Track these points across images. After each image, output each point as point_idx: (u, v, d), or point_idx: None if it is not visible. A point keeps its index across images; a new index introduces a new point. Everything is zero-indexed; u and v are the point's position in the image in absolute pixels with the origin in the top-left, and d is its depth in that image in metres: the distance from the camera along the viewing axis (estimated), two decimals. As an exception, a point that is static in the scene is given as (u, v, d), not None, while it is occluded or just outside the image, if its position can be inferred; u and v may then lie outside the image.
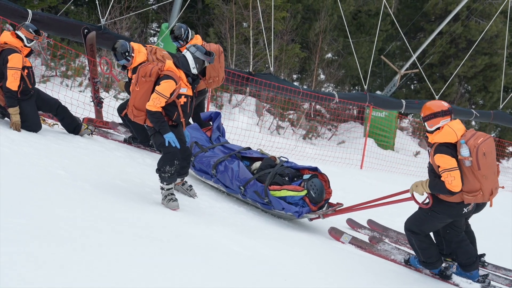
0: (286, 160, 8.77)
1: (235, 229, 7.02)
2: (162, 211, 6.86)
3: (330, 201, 8.46)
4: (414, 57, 21.22)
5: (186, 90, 7.16)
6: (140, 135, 9.84)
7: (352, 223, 9.13)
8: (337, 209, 8.21)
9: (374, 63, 22.48)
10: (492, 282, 7.07)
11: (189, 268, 5.07)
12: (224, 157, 8.76)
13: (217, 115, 9.81)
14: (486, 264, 8.01)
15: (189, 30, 10.22)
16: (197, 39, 10.20)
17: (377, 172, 15.88)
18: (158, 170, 7.09)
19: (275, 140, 15.00)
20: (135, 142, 10.10)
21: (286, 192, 8.05)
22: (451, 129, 6.42)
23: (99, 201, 6.41)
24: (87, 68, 13.21)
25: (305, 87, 20.13)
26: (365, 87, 18.46)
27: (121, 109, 9.70)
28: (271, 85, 15.21)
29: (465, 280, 6.94)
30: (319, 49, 20.31)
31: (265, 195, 8.09)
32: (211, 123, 9.87)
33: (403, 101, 19.38)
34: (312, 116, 19.82)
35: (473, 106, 25.50)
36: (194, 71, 7.16)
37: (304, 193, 8.03)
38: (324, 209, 8.22)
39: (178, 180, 7.83)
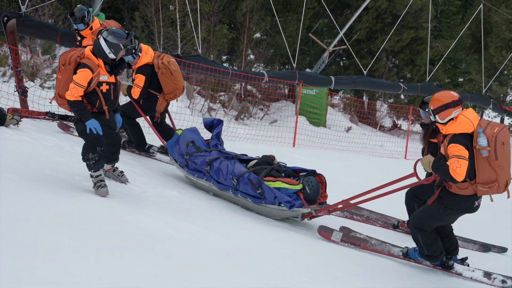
0: (284, 164, 8.68)
1: (171, 214, 7.10)
2: (95, 199, 6.91)
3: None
4: (341, 33, 21.60)
5: (107, 77, 7.14)
6: (136, 139, 9.87)
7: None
8: (336, 205, 7.96)
9: (303, 41, 22.71)
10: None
11: (124, 255, 5.15)
12: (220, 156, 8.73)
13: (219, 122, 9.65)
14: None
15: (90, 13, 10.35)
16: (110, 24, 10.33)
17: (310, 149, 16.18)
18: (83, 159, 7.11)
19: (206, 122, 15.06)
20: (130, 146, 10.10)
21: (281, 184, 7.95)
22: (467, 119, 6.24)
23: (30, 192, 6.39)
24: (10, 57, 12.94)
25: (235, 68, 20.22)
26: (294, 65, 18.72)
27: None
28: (200, 67, 15.25)
29: (467, 268, 6.96)
30: (247, 29, 20.41)
31: (258, 185, 7.96)
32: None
33: (333, 78, 19.73)
34: (243, 96, 19.94)
35: (401, 80, 26.10)
36: (111, 56, 7.04)
37: (299, 187, 7.93)
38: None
39: (109, 166, 7.86)
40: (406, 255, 7.15)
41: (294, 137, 16.32)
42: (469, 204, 6.47)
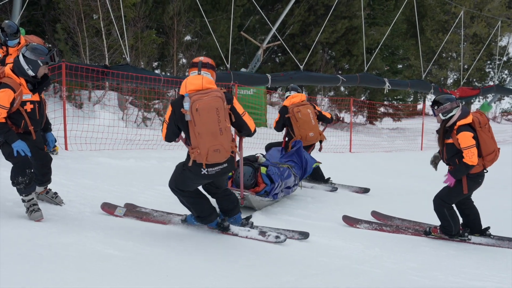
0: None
1: (109, 232, 6.98)
2: (28, 224, 6.77)
3: None
4: (273, 29, 21.75)
5: (30, 96, 7.00)
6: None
7: (348, 220, 9.03)
8: None
9: (235, 40, 22.86)
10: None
11: (62, 279, 5.09)
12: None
13: (298, 143, 11.12)
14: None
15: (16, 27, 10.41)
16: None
17: (252, 151, 16.20)
18: (12, 183, 6.94)
19: (142, 133, 15.01)
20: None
21: None
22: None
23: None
24: None
25: (167, 74, 20.18)
26: (228, 66, 18.76)
27: None
28: (130, 76, 15.15)
29: (243, 229, 7.50)
30: (175, 33, 20.41)
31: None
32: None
33: (269, 76, 19.85)
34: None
35: (340, 72, 26.46)
36: (30, 73, 6.95)
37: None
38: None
39: (41, 188, 7.73)
40: (184, 221, 7.65)
41: (234, 141, 16.33)
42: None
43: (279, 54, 27.22)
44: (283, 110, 11.45)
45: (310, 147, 11.73)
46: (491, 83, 35.97)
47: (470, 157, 7.74)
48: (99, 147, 12.78)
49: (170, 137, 6.89)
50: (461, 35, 31.99)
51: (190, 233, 7.46)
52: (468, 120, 7.92)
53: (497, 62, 35.12)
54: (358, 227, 8.79)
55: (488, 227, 8.51)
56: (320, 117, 11.89)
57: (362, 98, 30.27)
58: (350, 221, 8.92)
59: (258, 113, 20.69)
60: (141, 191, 9.58)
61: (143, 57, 19.33)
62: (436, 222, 8.54)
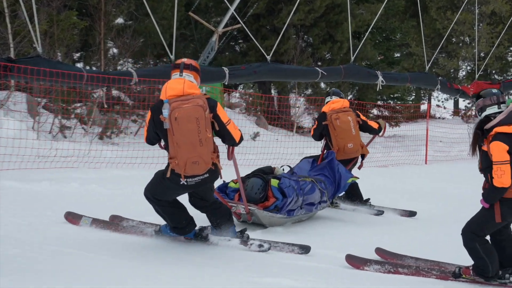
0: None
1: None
2: None
3: None
4: (232, 9, 21.68)
5: None
6: None
7: (353, 261, 8.93)
8: None
9: (182, 23, 22.89)
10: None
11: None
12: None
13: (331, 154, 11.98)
14: None
15: None
16: None
17: (282, 162, 16.19)
18: None
19: (59, 146, 14.95)
20: None
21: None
22: None
23: None
24: None
25: (93, 68, 20.12)
26: (172, 57, 18.75)
27: None
28: (43, 72, 15.01)
29: (224, 238, 8.62)
30: (103, 14, 20.35)
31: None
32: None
33: (226, 69, 19.78)
34: (108, 106, 19.81)
35: (319, 63, 26.54)
36: None
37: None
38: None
39: None
40: (158, 231, 8.73)
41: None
42: None
43: (240, 41, 27.30)
44: (321, 117, 12.44)
45: (349, 162, 12.48)
46: (515, 76, 36.52)
47: (499, 176, 7.51)
48: (1, 166, 12.69)
49: (151, 141, 8.15)
50: (475, 13, 32.27)
51: (164, 245, 8.38)
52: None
53: (522, 48, 35.61)
54: (366, 269, 8.72)
55: None
56: (364, 127, 12.82)
57: (348, 98, 30.44)
58: (356, 261, 8.81)
59: (213, 119, 20.69)
60: (58, 224, 9.51)
61: (61, 47, 19.25)
62: (464, 260, 8.48)
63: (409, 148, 24.31)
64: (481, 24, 34.54)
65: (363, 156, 12.83)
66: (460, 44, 36.93)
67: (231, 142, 8.12)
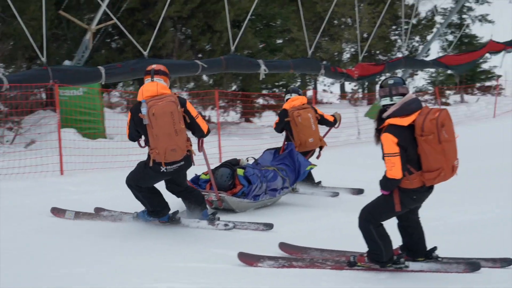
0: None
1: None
2: None
3: None
4: (104, 5, 21.25)
5: None
6: None
7: (246, 258, 8.93)
8: None
9: (53, 23, 22.31)
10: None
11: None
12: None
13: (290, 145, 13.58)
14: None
15: None
16: None
17: (86, 175, 15.69)
18: None
19: None
20: None
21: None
22: None
23: None
24: None
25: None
26: (44, 59, 18.24)
27: None
28: None
29: (193, 220, 10.43)
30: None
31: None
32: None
33: (102, 69, 19.43)
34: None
35: (200, 55, 26.35)
36: None
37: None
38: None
39: None
40: (136, 217, 10.53)
41: (61, 162, 15.75)
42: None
43: (116, 38, 26.83)
44: (283, 114, 14.04)
45: (308, 153, 14.05)
46: (399, 55, 36.82)
47: (390, 168, 7.76)
48: None
49: (133, 137, 9.89)
50: (355, -7, 32.48)
51: (142, 227, 10.26)
52: (403, 121, 7.77)
53: (404, 27, 35.99)
54: (260, 266, 8.74)
55: (435, 248, 8.48)
56: (322, 121, 14.40)
57: (232, 89, 30.33)
58: (249, 259, 8.80)
59: (93, 120, 20.26)
60: None
61: None
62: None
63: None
64: (361, 5, 34.89)
65: (321, 147, 14.39)
66: (342, 26, 37.29)
67: (200, 133, 9.93)
